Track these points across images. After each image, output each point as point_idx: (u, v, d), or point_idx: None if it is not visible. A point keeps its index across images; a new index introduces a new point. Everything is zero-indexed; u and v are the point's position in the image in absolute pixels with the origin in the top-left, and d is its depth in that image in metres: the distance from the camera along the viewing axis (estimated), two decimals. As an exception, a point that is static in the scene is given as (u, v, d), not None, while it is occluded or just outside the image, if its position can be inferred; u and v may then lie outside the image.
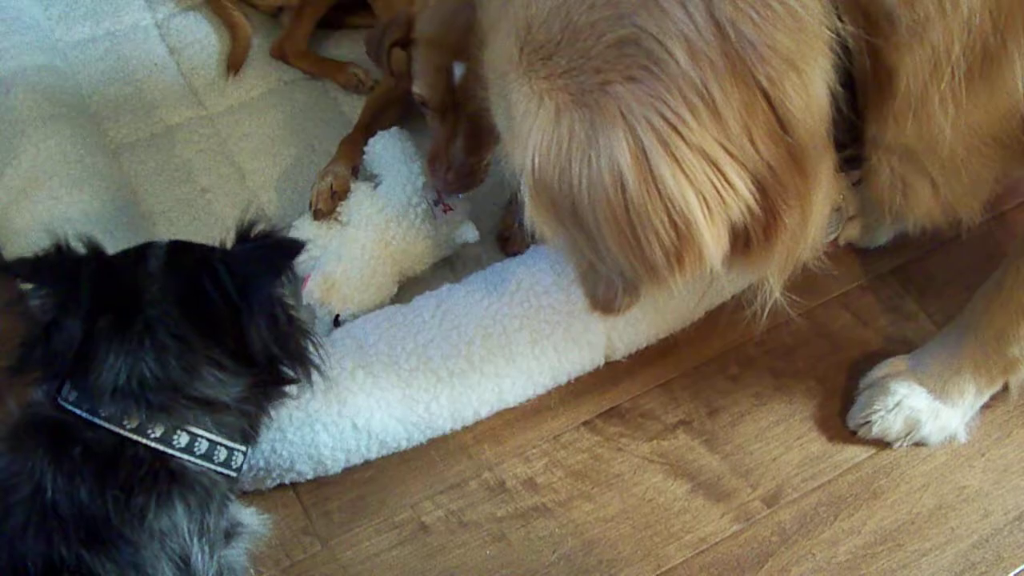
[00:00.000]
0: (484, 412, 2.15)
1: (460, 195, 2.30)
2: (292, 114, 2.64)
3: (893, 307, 2.46)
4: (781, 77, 1.35)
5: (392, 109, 2.51)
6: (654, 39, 1.33)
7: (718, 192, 1.38)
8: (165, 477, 1.51)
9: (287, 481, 2.07)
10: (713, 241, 1.42)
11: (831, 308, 2.45)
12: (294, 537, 2.06)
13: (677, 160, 1.35)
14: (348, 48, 2.77)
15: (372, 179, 2.32)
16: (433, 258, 2.33)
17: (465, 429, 2.17)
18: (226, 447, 1.58)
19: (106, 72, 2.69)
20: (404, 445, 2.10)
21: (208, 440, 1.55)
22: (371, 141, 2.32)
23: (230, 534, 1.65)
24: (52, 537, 1.44)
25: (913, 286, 2.49)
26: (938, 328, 2.39)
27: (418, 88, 2.18)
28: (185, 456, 1.53)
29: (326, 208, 2.27)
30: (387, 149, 2.29)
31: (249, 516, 1.71)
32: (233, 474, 1.60)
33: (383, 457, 2.11)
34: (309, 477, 2.06)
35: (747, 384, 2.33)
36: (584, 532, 2.11)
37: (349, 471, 2.10)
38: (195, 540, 1.53)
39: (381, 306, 2.22)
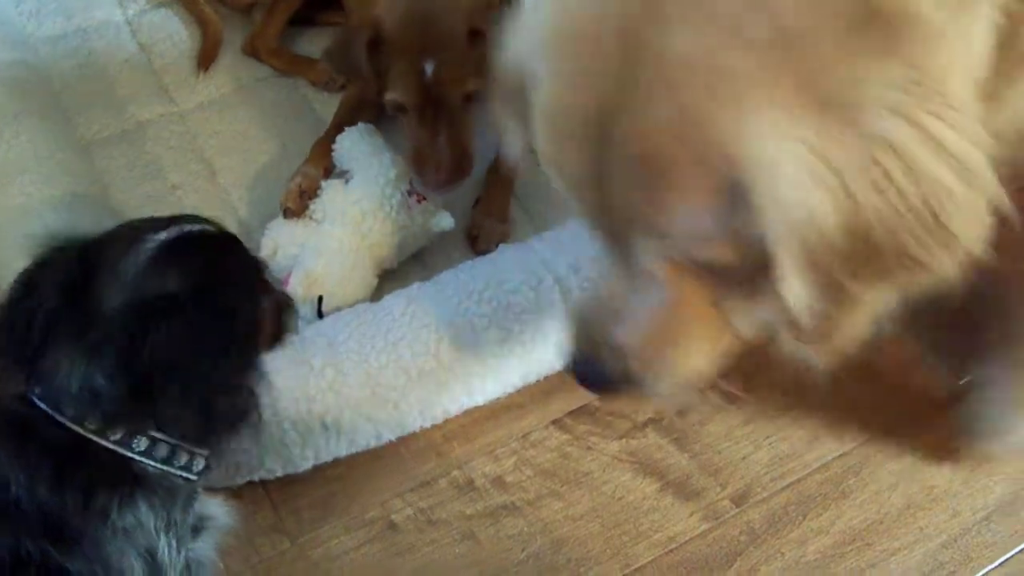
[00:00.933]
0: (453, 410, 2.15)
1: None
2: (263, 111, 2.64)
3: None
4: None
5: (367, 109, 2.50)
6: None
7: None
8: (128, 479, 1.50)
9: (256, 478, 2.06)
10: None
11: (801, 307, 2.45)
12: (263, 534, 2.05)
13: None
14: (320, 45, 2.75)
15: (343, 175, 2.31)
16: (411, 248, 2.34)
17: (434, 427, 2.17)
18: (186, 451, 1.56)
19: (77, 68, 2.68)
20: (373, 443, 2.10)
21: (168, 444, 1.53)
22: (339, 138, 2.32)
23: (198, 528, 1.63)
24: (18, 532, 1.43)
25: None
26: (904, 329, 2.39)
27: (394, 94, 2.18)
28: (145, 460, 1.52)
29: (295, 207, 2.27)
30: (356, 144, 2.30)
31: (216, 507, 1.69)
32: (194, 478, 1.59)
33: (352, 455, 2.10)
34: (279, 474, 2.06)
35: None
36: (553, 530, 2.12)
37: (318, 469, 2.09)
38: (161, 535, 1.52)
39: (364, 300, 2.23)
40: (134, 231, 1.55)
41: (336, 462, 2.10)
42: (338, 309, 2.19)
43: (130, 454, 1.49)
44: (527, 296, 2.14)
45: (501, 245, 2.33)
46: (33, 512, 1.44)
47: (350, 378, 2.03)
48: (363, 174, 2.27)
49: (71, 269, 1.51)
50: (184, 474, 1.56)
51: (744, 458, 2.23)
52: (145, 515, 1.50)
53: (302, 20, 2.78)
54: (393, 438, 2.12)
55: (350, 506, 2.12)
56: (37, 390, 1.49)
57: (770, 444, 2.25)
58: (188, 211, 2.37)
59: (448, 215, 2.34)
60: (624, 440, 2.24)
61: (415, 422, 2.11)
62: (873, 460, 2.24)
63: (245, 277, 1.63)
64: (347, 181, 2.29)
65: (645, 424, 2.26)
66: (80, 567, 1.44)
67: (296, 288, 2.17)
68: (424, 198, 2.29)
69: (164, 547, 1.52)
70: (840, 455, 2.25)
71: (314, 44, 2.78)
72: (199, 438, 1.55)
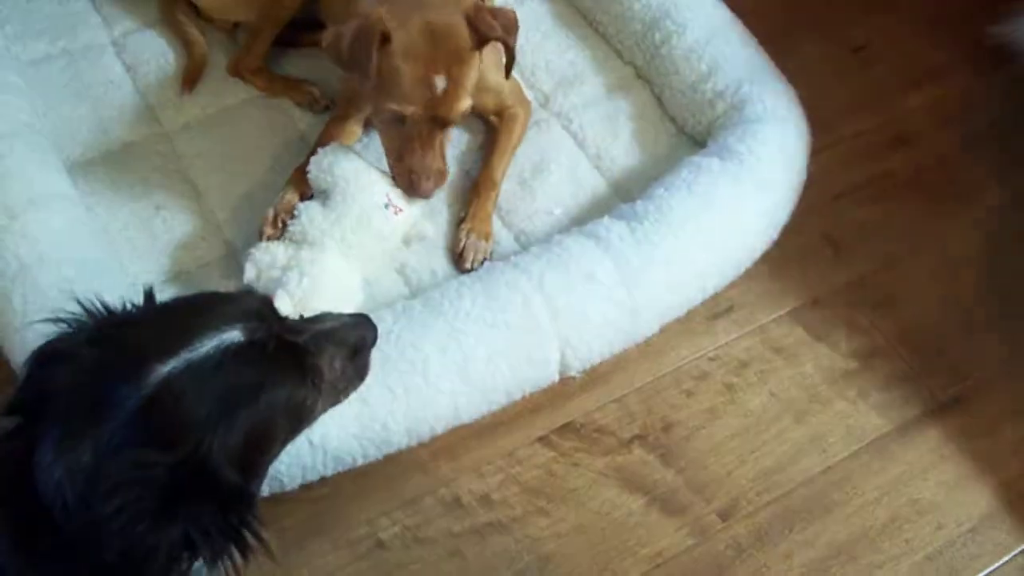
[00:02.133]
0: (440, 428, 2.14)
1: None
2: (248, 132, 2.64)
3: (845, 322, 2.49)
4: None
5: (351, 132, 2.51)
6: None
7: None
8: None
9: (243, 498, 2.06)
10: None
11: (783, 323, 2.48)
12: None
13: None
14: (305, 66, 2.77)
15: (322, 195, 2.31)
16: (394, 260, 2.36)
17: (421, 445, 2.16)
18: None
19: (62, 89, 2.67)
20: (360, 461, 2.09)
21: None
22: (314, 159, 2.32)
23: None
24: None
25: (864, 302, 2.52)
26: (890, 344, 2.42)
27: (397, 104, 2.18)
28: None
29: (273, 232, 2.29)
30: (334, 164, 2.29)
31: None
32: None
33: (339, 473, 2.10)
34: (265, 494, 2.04)
35: (701, 399, 2.35)
36: (540, 547, 2.13)
37: (305, 488, 2.08)
38: None
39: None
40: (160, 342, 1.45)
41: (323, 480, 2.09)
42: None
43: None
44: (513, 315, 2.15)
45: (486, 263, 2.34)
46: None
47: (337, 396, 2.03)
48: (341, 192, 2.27)
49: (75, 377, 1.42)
50: None
51: (729, 473, 2.24)
52: None
53: (286, 42, 2.78)
54: (380, 456, 2.11)
55: (337, 525, 2.12)
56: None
57: (755, 459, 2.27)
58: (173, 232, 2.40)
59: (428, 223, 2.37)
60: (610, 456, 2.25)
61: (402, 440, 2.11)
62: (857, 474, 2.26)
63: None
64: (324, 202, 2.29)
65: (631, 440, 2.27)
66: None
67: (281, 309, 2.17)
68: (401, 209, 2.30)
69: None
70: (825, 469, 2.27)
71: (298, 66, 2.78)
72: None
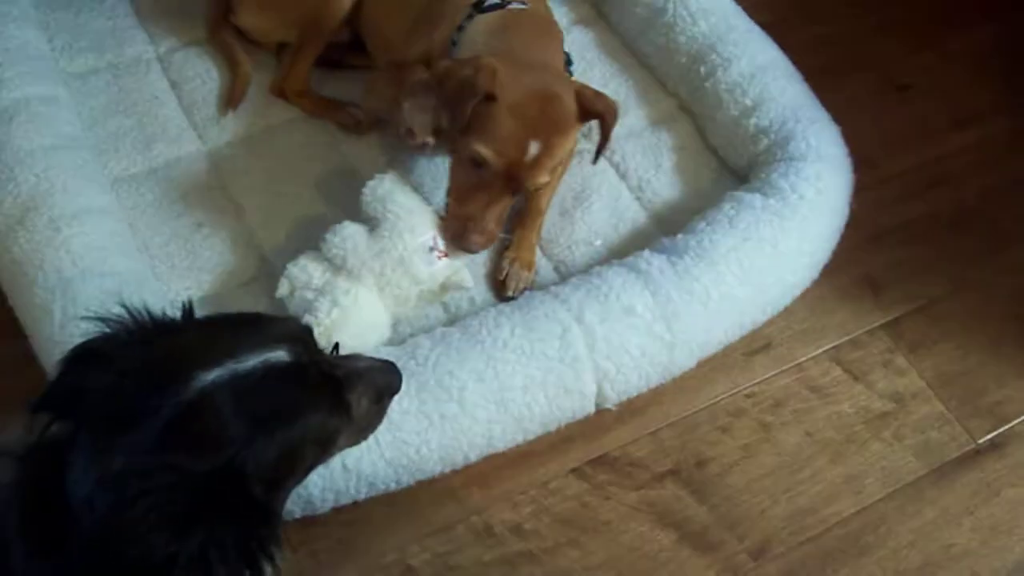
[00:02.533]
0: (473, 456, 2.14)
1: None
2: (290, 152, 2.64)
3: (884, 362, 2.47)
4: None
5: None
6: None
7: None
8: None
9: (275, 520, 2.06)
10: None
11: (821, 362, 2.46)
12: (280, 576, 2.06)
13: None
14: (347, 88, 2.78)
15: (370, 222, 2.30)
16: (427, 304, 2.33)
17: (453, 472, 2.16)
18: None
19: (107, 104, 2.69)
20: (393, 487, 2.09)
21: None
22: (370, 184, 2.30)
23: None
24: None
25: (904, 342, 2.51)
26: (928, 386, 2.41)
27: (485, 149, 2.15)
28: None
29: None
30: (391, 195, 2.28)
31: None
32: None
33: (371, 498, 2.10)
34: (297, 516, 2.05)
35: (736, 435, 2.33)
36: (570, 579, 2.12)
37: (337, 511, 2.08)
38: None
39: (377, 345, 2.23)
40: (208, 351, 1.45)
41: (355, 505, 2.09)
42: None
43: None
44: (552, 344, 2.14)
45: (527, 292, 2.34)
46: None
47: (372, 421, 2.03)
48: (390, 226, 2.25)
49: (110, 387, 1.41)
50: None
51: (763, 512, 2.23)
52: None
53: (330, 63, 2.79)
54: (412, 482, 2.11)
55: (368, 549, 2.12)
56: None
57: (788, 498, 2.25)
58: (213, 249, 2.40)
59: (467, 273, 2.32)
60: (643, 491, 2.24)
61: (435, 467, 2.11)
62: (892, 517, 2.24)
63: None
64: (372, 229, 2.28)
65: (664, 475, 2.26)
66: None
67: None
68: (445, 254, 2.29)
69: None
70: (859, 511, 2.25)
71: (342, 87, 2.78)
72: None
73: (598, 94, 2.25)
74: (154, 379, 1.41)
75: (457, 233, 2.25)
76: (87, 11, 2.88)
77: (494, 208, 2.22)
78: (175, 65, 2.80)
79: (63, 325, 2.08)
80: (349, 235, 2.25)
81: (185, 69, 2.79)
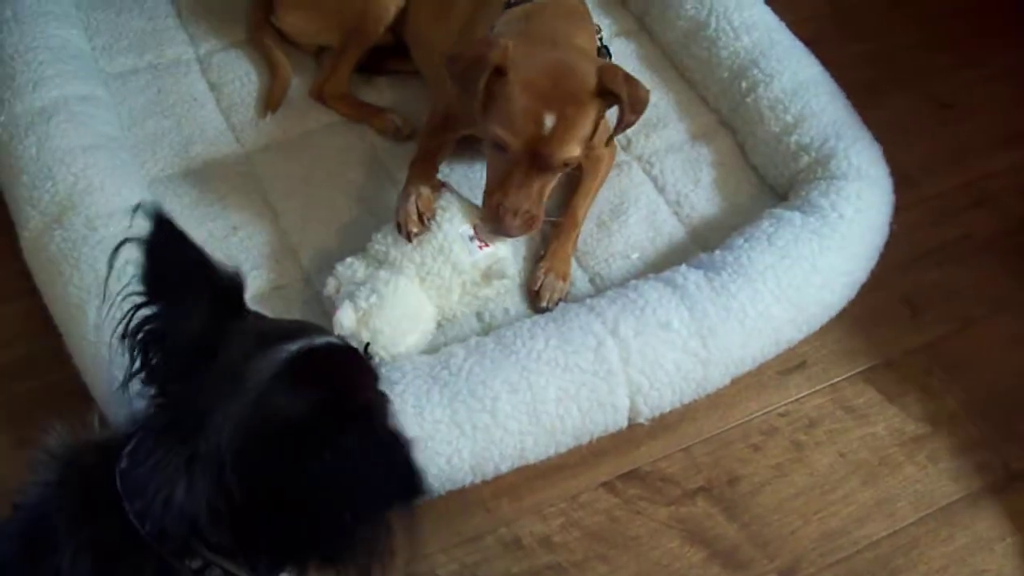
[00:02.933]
0: (504, 467, 2.13)
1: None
2: (328, 156, 2.64)
3: (919, 385, 2.45)
4: None
5: (447, 139, 2.51)
6: None
7: None
8: None
9: (304, 526, 2.06)
10: None
11: (855, 382, 2.44)
12: (307, 584, 2.05)
13: None
14: (387, 94, 2.78)
15: None
16: (471, 295, 2.33)
17: (484, 483, 2.15)
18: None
19: (146, 104, 2.70)
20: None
21: (221, 568, 1.42)
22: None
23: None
24: None
25: (939, 365, 2.48)
26: (964, 409, 2.38)
27: (502, 130, 2.15)
28: None
29: (417, 229, 2.27)
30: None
31: None
32: None
33: (400, 507, 2.09)
34: (324, 524, 2.05)
35: (769, 454, 2.32)
36: (598, 594, 2.11)
37: (366, 520, 2.08)
38: None
39: (420, 344, 2.24)
40: (262, 336, 1.44)
41: (384, 513, 2.08)
42: (392, 359, 2.18)
43: (178, 565, 1.40)
44: (586, 357, 2.13)
45: (561, 303, 2.33)
46: None
47: (404, 431, 2.02)
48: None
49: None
50: None
51: (793, 532, 2.21)
52: None
53: (370, 68, 2.80)
54: (442, 492, 2.10)
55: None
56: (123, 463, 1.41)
57: (820, 519, 2.23)
58: (249, 252, 2.40)
59: (512, 260, 2.34)
60: (674, 507, 2.22)
61: (466, 477, 2.10)
62: (923, 541, 2.22)
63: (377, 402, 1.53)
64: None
65: (695, 492, 2.25)
66: None
67: (342, 320, 2.16)
68: (486, 244, 2.29)
69: None
70: (890, 534, 2.23)
71: (381, 92, 2.79)
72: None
73: (628, 78, 2.21)
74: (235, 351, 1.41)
75: (492, 217, 2.25)
76: (128, 11, 2.91)
77: (526, 189, 2.20)
78: (214, 67, 2.81)
79: (97, 325, 2.08)
80: (391, 230, 2.27)
81: (224, 71, 2.80)
